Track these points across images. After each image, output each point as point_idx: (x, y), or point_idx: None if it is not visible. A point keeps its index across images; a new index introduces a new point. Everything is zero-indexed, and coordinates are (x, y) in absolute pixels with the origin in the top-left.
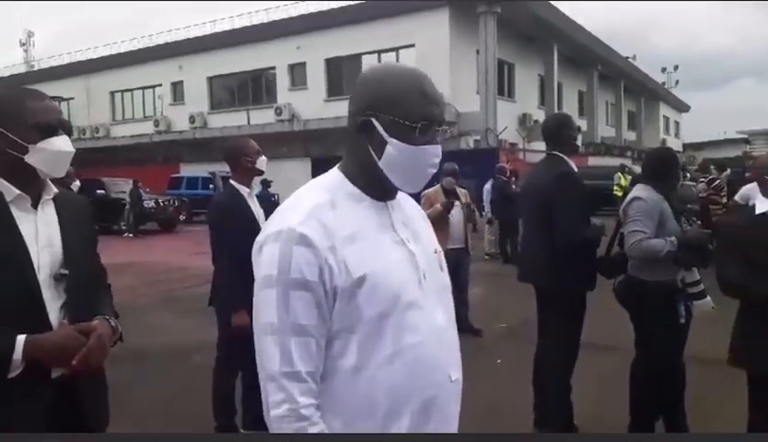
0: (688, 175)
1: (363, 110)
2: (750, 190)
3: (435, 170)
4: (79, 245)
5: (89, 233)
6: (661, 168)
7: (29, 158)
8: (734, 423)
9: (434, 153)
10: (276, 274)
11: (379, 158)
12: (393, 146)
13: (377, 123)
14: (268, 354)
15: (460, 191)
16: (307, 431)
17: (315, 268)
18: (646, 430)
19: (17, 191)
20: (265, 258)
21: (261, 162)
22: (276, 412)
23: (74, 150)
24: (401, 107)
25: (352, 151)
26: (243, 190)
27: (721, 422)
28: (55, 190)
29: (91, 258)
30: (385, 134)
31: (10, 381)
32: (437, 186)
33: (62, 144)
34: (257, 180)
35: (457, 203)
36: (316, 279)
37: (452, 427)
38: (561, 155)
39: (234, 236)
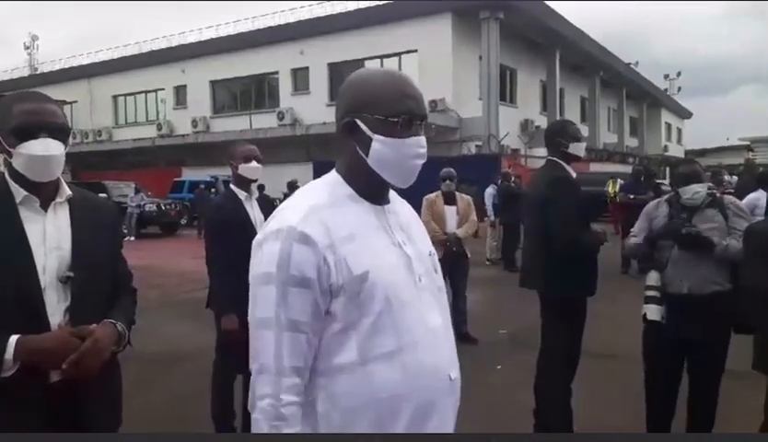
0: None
1: (347, 113)
2: (754, 199)
3: (422, 161)
4: (91, 248)
5: (108, 236)
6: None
7: (14, 162)
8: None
9: (418, 144)
10: (275, 271)
11: (367, 156)
12: (379, 142)
13: (360, 123)
14: (261, 347)
15: (460, 196)
16: (281, 431)
17: (313, 266)
18: (661, 430)
19: (25, 193)
20: (265, 255)
21: (246, 168)
22: (260, 404)
23: (56, 154)
24: (381, 105)
25: (342, 154)
26: (241, 194)
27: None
28: (69, 192)
29: (107, 261)
30: (369, 132)
31: (4, 382)
32: (438, 191)
33: (37, 148)
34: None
35: (454, 208)
36: (314, 276)
37: (450, 429)
38: (558, 160)
39: (228, 239)
